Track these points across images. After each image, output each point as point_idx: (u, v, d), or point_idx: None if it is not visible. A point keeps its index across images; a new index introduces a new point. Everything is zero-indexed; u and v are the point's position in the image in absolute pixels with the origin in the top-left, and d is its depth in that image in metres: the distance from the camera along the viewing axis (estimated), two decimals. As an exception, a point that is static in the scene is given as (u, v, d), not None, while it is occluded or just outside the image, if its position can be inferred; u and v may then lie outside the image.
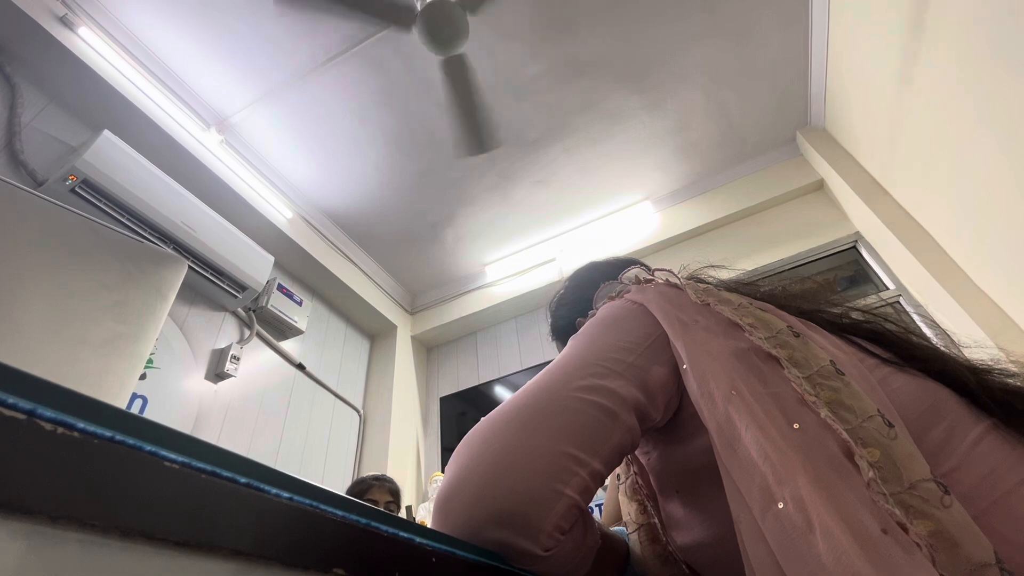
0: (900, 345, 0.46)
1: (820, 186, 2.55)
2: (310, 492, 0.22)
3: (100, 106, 1.90)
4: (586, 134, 2.53)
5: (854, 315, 0.50)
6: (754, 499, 0.35)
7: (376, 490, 1.69)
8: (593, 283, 0.71)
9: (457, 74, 1.85)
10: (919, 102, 1.72)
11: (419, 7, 1.74)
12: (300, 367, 2.49)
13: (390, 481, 1.75)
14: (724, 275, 0.61)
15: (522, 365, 2.93)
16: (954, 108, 1.57)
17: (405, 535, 0.27)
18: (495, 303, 3.07)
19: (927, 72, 1.62)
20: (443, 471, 2.37)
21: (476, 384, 3.02)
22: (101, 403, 0.15)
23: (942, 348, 0.47)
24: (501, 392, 2.94)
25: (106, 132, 1.80)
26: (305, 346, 2.59)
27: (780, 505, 0.33)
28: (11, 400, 0.14)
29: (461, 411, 3.00)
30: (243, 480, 0.19)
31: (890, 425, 0.35)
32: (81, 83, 1.84)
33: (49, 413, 0.14)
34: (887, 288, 2.19)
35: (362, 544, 0.24)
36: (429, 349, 3.37)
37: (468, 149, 2.02)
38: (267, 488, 0.20)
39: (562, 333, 0.76)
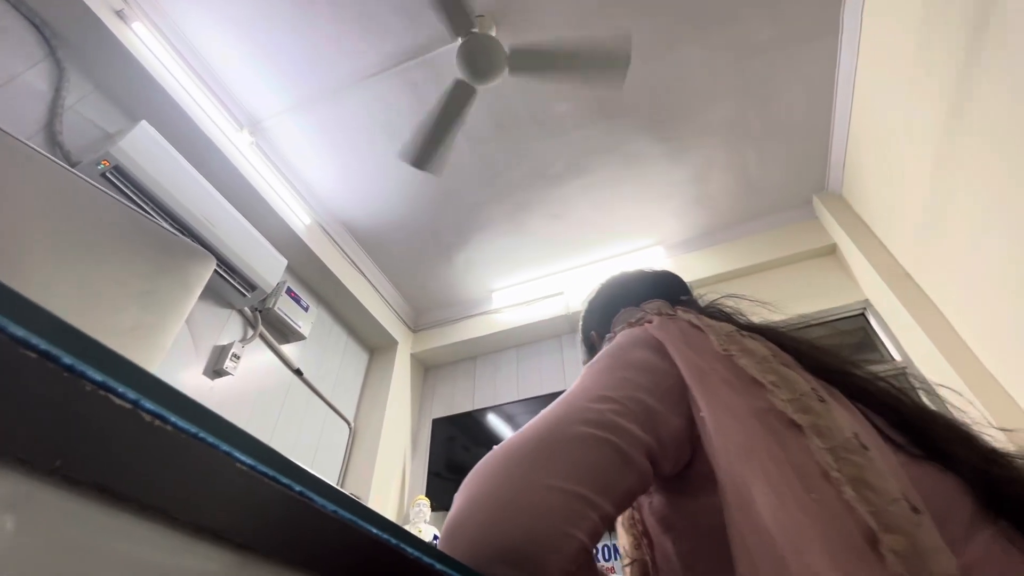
0: (919, 427, 0.46)
1: (832, 250, 2.58)
2: (354, 508, 0.22)
3: (141, 97, 1.96)
4: (606, 174, 2.58)
5: (879, 384, 0.50)
6: (765, 566, 0.34)
7: None
8: (619, 299, 0.72)
9: (460, 98, 1.93)
10: (937, 179, 1.75)
11: (460, 41, 1.81)
12: (298, 372, 2.48)
13: None
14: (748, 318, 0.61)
15: (519, 395, 2.90)
16: (974, 188, 1.60)
17: (427, 559, 0.27)
18: (498, 330, 3.07)
19: (948, 147, 1.66)
20: (427, 495, 2.31)
21: (470, 410, 2.98)
22: (193, 401, 0.16)
23: (968, 432, 0.46)
24: (494, 421, 2.90)
25: (143, 123, 1.85)
26: (305, 352, 2.59)
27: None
28: (120, 389, 0.14)
29: (451, 436, 2.95)
30: (297, 488, 0.20)
31: (916, 511, 0.34)
32: (127, 74, 1.90)
33: (150, 405, 0.15)
34: (893, 359, 2.18)
35: (387, 561, 0.24)
36: (427, 369, 3.35)
37: (413, 158, 2.08)
38: (316, 498, 0.21)
39: (586, 339, 0.80)
